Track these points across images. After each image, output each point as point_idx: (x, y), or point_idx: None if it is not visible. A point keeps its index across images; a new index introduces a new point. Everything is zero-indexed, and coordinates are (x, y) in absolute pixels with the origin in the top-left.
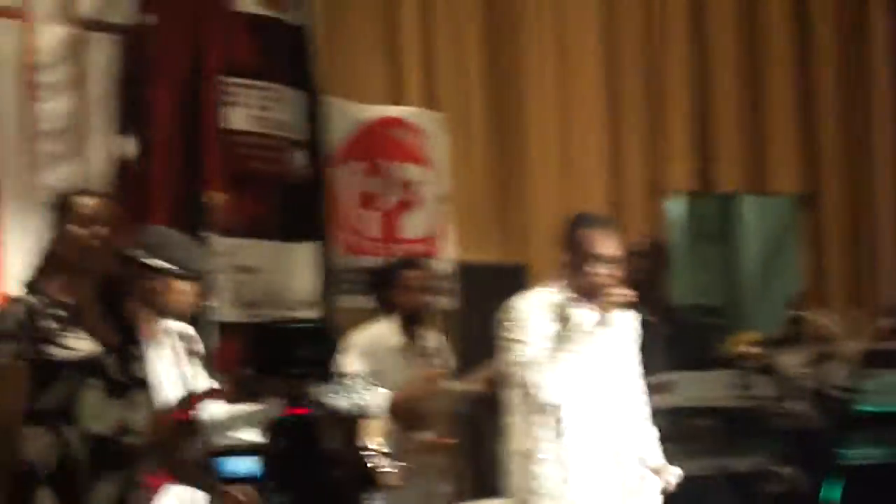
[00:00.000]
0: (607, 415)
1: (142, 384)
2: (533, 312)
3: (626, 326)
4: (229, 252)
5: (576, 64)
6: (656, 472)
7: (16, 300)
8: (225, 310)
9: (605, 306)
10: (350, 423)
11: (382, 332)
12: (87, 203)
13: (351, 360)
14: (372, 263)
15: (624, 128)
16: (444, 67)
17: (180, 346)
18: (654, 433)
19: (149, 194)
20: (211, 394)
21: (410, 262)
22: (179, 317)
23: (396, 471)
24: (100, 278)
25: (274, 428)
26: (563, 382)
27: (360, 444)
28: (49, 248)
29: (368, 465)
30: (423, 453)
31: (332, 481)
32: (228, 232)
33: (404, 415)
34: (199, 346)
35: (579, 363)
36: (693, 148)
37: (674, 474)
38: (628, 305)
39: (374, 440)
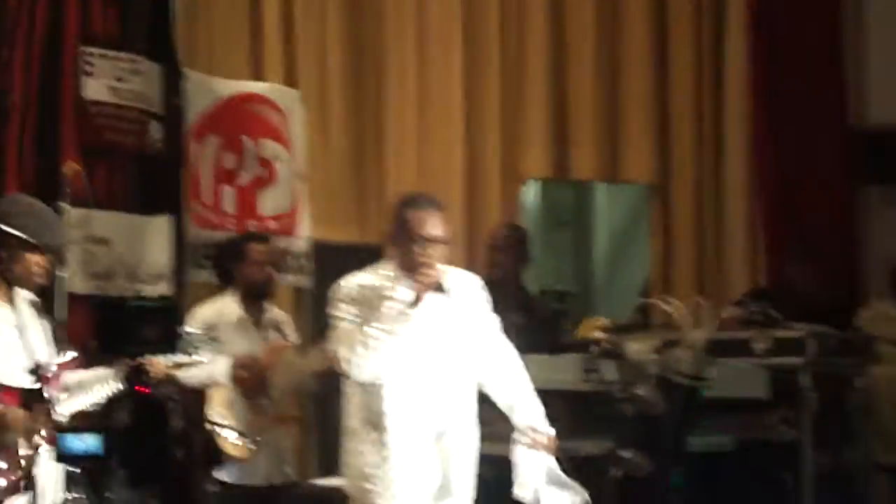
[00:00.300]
0: (433, 394)
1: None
2: (355, 291)
3: (468, 298)
4: (82, 223)
5: (436, 47)
6: (527, 430)
7: None
8: (76, 281)
9: (419, 287)
10: (194, 401)
11: (226, 305)
12: None
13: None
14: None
15: (482, 113)
16: (304, 44)
17: (29, 315)
18: (527, 393)
19: (2, 161)
20: (60, 365)
21: (254, 236)
22: (31, 287)
23: (241, 443)
24: None
25: (117, 406)
26: (377, 361)
27: (205, 420)
28: None
29: (214, 439)
30: (267, 427)
31: (174, 459)
32: (82, 202)
33: (246, 383)
34: (48, 317)
35: (396, 342)
36: (549, 135)
37: (545, 434)
38: (438, 286)
39: (218, 411)
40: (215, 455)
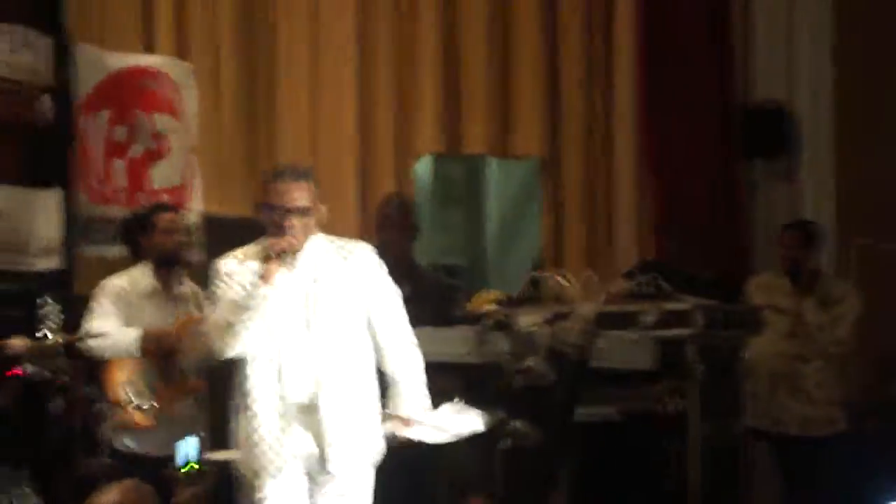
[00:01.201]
0: (297, 367)
1: None
2: (225, 269)
3: (353, 267)
4: None
5: (328, 21)
6: (393, 418)
7: None
8: None
9: (274, 260)
10: (79, 376)
11: (136, 276)
12: None
13: (103, 304)
14: (118, 213)
15: (374, 88)
16: (195, 17)
17: None
18: (409, 374)
19: None
20: None
21: (162, 206)
22: None
23: (144, 411)
24: None
25: None
26: (238, 340)
27: (86, 399)
28: None
29: (117, 409)
30: (176, 398)
31: (52, 439)
32: None
33: (156, 355)
34: None
35: (256, 319)
36: (441, 110)
37: (409, 423)
38: (286, 254)
39: (122, 381)
40: (95, 439)
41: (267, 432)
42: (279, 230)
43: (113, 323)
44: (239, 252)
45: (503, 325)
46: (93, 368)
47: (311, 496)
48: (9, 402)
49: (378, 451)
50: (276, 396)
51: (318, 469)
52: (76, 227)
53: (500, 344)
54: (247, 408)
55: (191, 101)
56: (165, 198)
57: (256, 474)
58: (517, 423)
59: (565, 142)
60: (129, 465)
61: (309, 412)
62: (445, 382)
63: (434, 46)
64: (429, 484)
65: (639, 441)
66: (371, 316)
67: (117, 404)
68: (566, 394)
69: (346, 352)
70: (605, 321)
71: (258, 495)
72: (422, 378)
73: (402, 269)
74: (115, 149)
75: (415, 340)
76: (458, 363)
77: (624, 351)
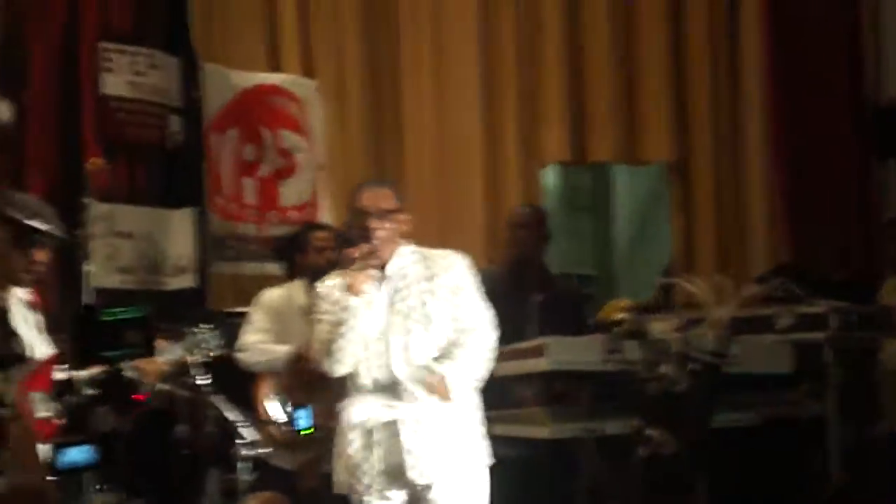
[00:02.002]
0: (387, 377)
1: (18, 359)
2: (325, 289)
3: (442, 277)
4: (106, 218)
5: (452, 33)
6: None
7: None
8: (100, 275)
9: (358, 272)
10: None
11: (291, 292)
12: None
13: (259, 318)
14: (249, 230)
15: (499, 98)
16: (320, 34)
17: (26, 313)
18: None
19: (25, 159)
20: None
21: (315, 225)
22: (27, 283)
23: (287, 426)
24: None
25: (99, 413)
26: (341, 357)
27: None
28: None
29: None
30: (320, 413)
31: (179, 462)
32: (106, 197)
33: (302, 370)
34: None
35: (351, 334)
36: (567, 119)
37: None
38: (372, 263)
39: (268, 396)
40: (221, 458)
41: (353, 447)
42: (363, 238)
43: (266, 337)
44: (337, 272)
45: (635, 333)
46: (230, 387)
47: None
48: (131, 427)
49: (480, 460)
50: (362, 409)
51: (407, 482)
52: (208, 246)
53: (633, 352)
54: (339, 422)
55: (316, 117)
56: (295, 215)
57: (350, 489)
58: (653, 431)
59: (693, 145)
60: (271, 478)
61: (393, 424)
62: (577, 390)
63: (558, 54)
64: (569, 492)
65: (777, 446)
66: (453, 327)
67: (262, 419)
68: (701, 400)
69: (425, 358)
70: (739, 326)
71: None
72: (466, 363)
73: (534, 277)
74: (245, 167)
75: (483, 345)
76: (591, 371)
77: (759, 355)
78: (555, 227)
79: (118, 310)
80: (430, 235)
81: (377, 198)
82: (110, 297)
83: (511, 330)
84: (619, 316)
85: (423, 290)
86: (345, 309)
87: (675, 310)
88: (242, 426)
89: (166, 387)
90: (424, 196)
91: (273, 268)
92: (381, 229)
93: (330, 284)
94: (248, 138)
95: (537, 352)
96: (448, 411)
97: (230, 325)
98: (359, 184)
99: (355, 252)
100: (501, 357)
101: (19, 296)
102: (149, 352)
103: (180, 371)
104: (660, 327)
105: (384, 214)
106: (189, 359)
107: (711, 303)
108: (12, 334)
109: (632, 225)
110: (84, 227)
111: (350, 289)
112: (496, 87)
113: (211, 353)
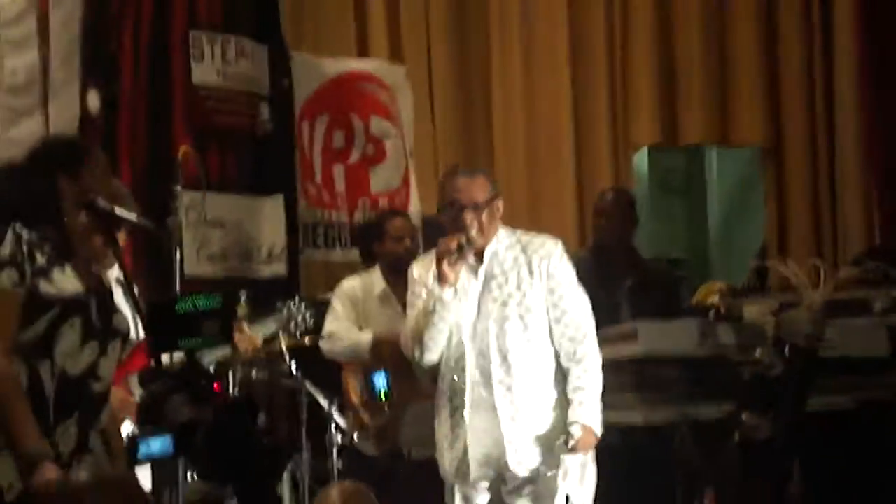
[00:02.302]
0: (481, 364)
1: (116, 333)
2: (415, 275)
3: (533, 263)
4: (197, 206)
5: (541, 16)
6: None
7: (12, 231)
8: (191, 263)
9: (438, 259)
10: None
11: (369, 280)
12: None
13: (340, 306)
14: (339, 217)
15: (589, 81)
16: (409, 20)
17: (124, 294)
18: (584, 377)
19: (115, 148)
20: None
21: (393, 213)
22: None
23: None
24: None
25: (174, 402)
26: (430, 347)
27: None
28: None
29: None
30: (409, 400)
31: (259, 450)
32: (196, 186)
33: (384, 358)
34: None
35: (443, 323)
36: (659, 101)
37: (573, 435)
38: (458, 251)
39: (355, 384)
40: (294, 448)
41: (450, 435)
42: (454, 228)
43: (347, 325)
44: (427, 255)
45: (729, 317)
46: (319, 373)
47: (507, 497)
48: (211, 417)
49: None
50: (457, 397)
51: (503, 470)
52: (299, 233)
53: (727, 336)
54: (438, 410)
55: (406, 104)
56: (384, 201)
57: (448, 476)
58: (748, 416)
59: (786, 128)
60: (358, 465)
61: (488, 413)
62: (670, 375)
63: (649, 36)
64: (667, 478)
65: (874, 430)
66: (549, 315)
67: (351, 406)
68: (796, 384)
69: (526, 351)
70: (835, 309)
71: (453, 497)
72: (593, 385)
73: (623, 259)
74: (334, 154)
75: (593, 344)
76: (684, 356)
77: (855, 338)
78: (648, 210)
79: (194, 299)
80: (521, 221)
81: (470, 189)
82: (202, 286)
83: (602, 315)
84: (713, 299)
85: (521, 276)
86: (437, 299)
87: (769, 293)
88: (335, 413)
89: (258, 371)
90: (515, 181)
91: None
92: (476, 221)
93: (420, 267)
94: (338, 125)
95: (629, 337)
96: (548, 402)
97: (322, 314)
98: (450, 171)
99: (450, 242)
100: None
101: (117, 276)
102: (227, 341)
103: (269, 359)
104: (754, 311)
105: (478, 206)
106: (282, 340)
107: (806, 286)
108: (116, 311)
109: (726, 208)
110: (174, 215)
111: (441, 280)
112: (587, 70)
113: (301, 333)
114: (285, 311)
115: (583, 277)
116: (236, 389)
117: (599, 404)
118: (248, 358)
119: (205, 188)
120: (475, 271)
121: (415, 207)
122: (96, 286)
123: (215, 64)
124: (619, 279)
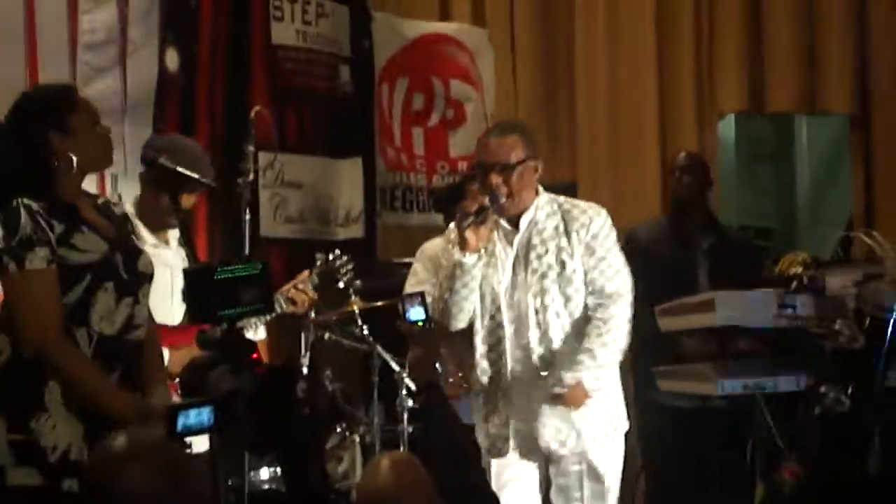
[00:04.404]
0: (516, 335)
1: (144, 277)
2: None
3: (574, 229)
4: (272, 167)
5: None
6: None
7: (22, 207)
8: (268, 224)
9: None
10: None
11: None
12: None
13: (421, 269)
14: (417, 181)
15: (675, 46)
16: None
17: (185, 256)
18: (597, 340)
19: (192, 107)
20: None
21: (475, 176)
22: (178, 227)
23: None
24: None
25: (218, 373)
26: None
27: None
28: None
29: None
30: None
31: (300, 421)
32: (273, 147)
33: None
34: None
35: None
36: (746, 67)
37: (566, 383)
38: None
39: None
40: (339, 416)
41: (483, 409)
42: (484, 188)
43: (429, 289)
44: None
45: (811, 288)
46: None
47: (547, 472)
48: (251, 386)
49: (618, 429)
50: (491, 369)
51: (543, 450)
52: (376, 196)
53: (807, 307)
54: (473, 383)
55: (487, 67)
56: (463, 165)
57: (486, 451)
58: (828, 388)
59: (876, 97)
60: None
61: (526, 389)
62: (748, 345)
63: (736, 1)
64: (745, 451)
65: None
66: (587, 282)
67: (451, 373)
68: (878, 357)
69: (566, 325)
70: None
71: (491, 471)
72: (609, 355)
73: (700, 221)
74: (414, 117)
75: (621, 310)
76: (763, 326)
77: None
78: (734, 178)
79: (235, 266)
80: (604, 187)
81: (499, 149)
82: (279, 246)
83: (677, 276)
84: (796, 270)
85: (561, 246)
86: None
87: (853, 264)
88: (405, 376)
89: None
90: (597, 146)
91: (440, 218)
92: (504, 185)
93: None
94: (418, 88)
95: (707, 306)
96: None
97: (400, 277)
98: (484, 132)
99: (472, 206)
100: (670, 311)
101: (178, 237)
102: (268, 310)
103: (341, 321)
104: (836, 282)
105: (506, 168)
106: (354, 303)
107: (891, 257)
108: (139, 253)
109: (814, 177)
110: (247, 175)
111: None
112: (672, 33)
113: (347, 281)
114: (324, 265)
115: (661, 240)
116: (307, 352)
117: (607, 365)
118: (306, 311)
119: (277, 149)
120: (510, 240)
121: None
122: (116, 235)
123: (295, 24)
124: (695, 240)
